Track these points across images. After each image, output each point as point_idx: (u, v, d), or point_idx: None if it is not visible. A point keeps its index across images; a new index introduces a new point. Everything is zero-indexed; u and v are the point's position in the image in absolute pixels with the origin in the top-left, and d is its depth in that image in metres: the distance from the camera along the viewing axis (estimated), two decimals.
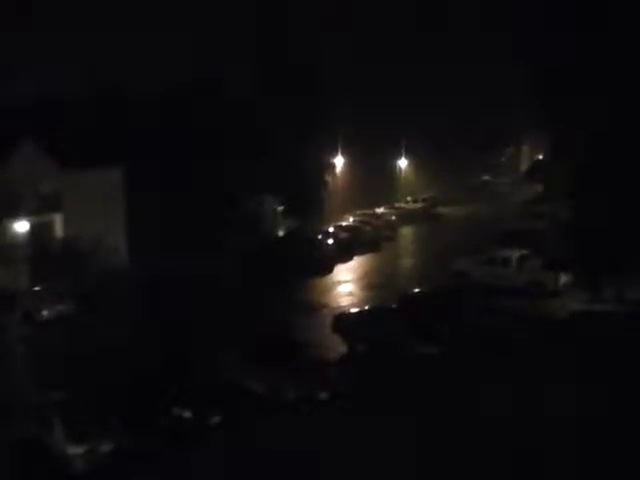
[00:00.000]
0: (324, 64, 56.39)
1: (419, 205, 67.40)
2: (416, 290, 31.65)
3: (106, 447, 19.08)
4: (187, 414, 20.73)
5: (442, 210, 68.65)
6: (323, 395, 22.46)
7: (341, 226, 52.67)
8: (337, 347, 27.45)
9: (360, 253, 47.97)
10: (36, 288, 36.18)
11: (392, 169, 75.95)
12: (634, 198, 28.51)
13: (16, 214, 40.20)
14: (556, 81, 30.83)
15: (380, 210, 61.86)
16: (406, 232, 58.40)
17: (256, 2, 54.25)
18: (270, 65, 53.78)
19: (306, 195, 53.76)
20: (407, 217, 62.08)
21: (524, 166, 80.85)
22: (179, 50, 60.30)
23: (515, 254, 35.71)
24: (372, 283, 39.47)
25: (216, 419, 20.79)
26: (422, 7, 67.71)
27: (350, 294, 37.41)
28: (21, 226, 40.39)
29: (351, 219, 56.86)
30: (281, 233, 54.04)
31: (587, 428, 19.35)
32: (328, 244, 46.33)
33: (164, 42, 59.95)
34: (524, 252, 36.10)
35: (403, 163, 76.98)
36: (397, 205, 65.49)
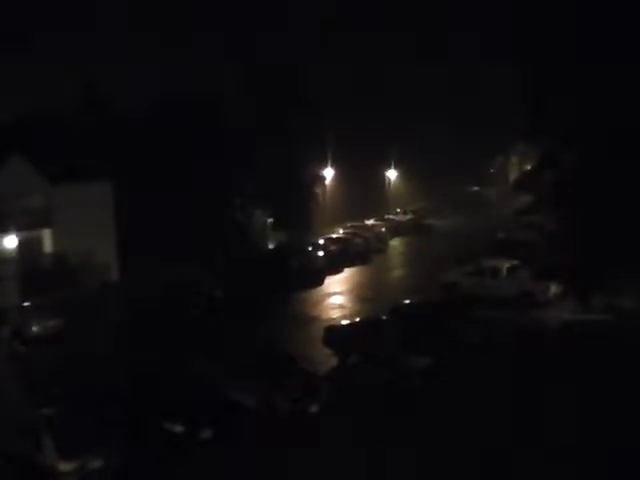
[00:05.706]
0: (314, 78, 56.73)
1: (409, 217, 67.59)
2: (406, 302, 31.64)
3: (96, 463, 18.95)
4: (178, 429, 20.63)
5: (431, 221, 68.83)
6: (313, 408, 22.42)
7: (331, 238, 52.63)
8: (328, 359, 27.42)
9: (350, 265, 48.05)
10: (25, 304, 35.95)
11: (381, 181, 76.16)
12: (623, 207, 28.64)
13: (5, 229, 40.03)
14: (547, 94, 30.91)
15: (370, 222, 61.94)
16: (396, 244, 58.54)
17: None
18: (259, 79, 54.04)
19: (296, 207, 53.81)
20: (397, 229, 62.25)
21: (513, 176, 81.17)
22: (169, 64, 60.57)
23: (505, 264, 35.74)
24: (362, 295, 39.47)
25: (207, 433, 20.71)
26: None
27: (340, 306, 37.39)
28: (10, 241, 40.20)
29: (341, 231, 56.87)
30: (271, 245, 54.05)
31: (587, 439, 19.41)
32: (318, 256, 46.30)
33: (154, 56, 60.14)
34: (514, 262, 36.16)
35: (392, 175, 77.18)
36: (387, 217, 65.59)
